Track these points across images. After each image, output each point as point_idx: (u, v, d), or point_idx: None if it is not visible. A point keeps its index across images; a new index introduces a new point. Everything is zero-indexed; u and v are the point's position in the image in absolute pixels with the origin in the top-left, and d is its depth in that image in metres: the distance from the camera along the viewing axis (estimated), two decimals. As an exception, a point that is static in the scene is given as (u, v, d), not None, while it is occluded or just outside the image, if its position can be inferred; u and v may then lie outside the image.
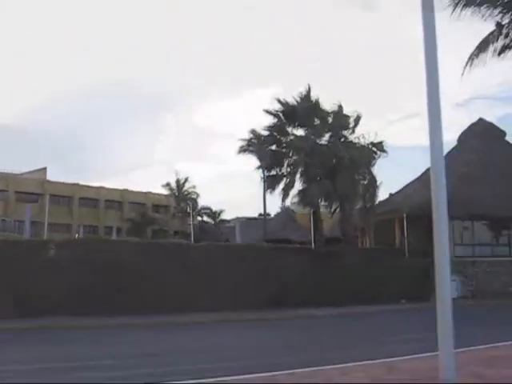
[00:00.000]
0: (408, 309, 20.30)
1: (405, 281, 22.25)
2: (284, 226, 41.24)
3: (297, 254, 22.91)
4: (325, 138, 24.44)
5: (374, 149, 24.52)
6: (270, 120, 24.70)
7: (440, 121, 5.07)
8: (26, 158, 75.72)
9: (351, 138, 24.58)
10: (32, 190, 52.68)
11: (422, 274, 20.80)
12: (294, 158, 24.20)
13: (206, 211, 61.34)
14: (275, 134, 24.86)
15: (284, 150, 24.77)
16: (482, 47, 18.51)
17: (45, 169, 57.98)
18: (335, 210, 24.85)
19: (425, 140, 5.08)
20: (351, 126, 24.46)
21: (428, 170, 23.63)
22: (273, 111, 24.71)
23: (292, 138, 24.60)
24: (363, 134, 24.47)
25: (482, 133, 30.57)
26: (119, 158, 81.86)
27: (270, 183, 25.23)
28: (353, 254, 23.55)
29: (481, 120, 31.69)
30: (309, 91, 24.66)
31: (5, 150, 61.13)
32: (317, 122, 24.32)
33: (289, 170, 24.36)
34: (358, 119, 24.39)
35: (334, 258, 22.68)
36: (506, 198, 24.98)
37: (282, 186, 24.22)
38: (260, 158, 24.97)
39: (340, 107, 24.72)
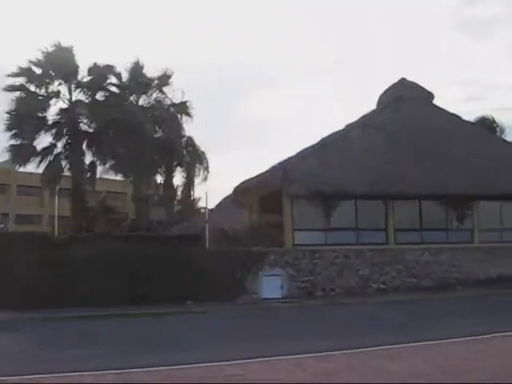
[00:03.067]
0: (182, 313, 15.60)
1: (197, 276, 17.04)
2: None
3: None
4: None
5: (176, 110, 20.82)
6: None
7: None
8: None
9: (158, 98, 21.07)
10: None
11: (226, 269, 17.50)
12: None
13: None
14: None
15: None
16: None
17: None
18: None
19: None
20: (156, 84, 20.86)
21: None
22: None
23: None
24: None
25: (406, 95, 26.34)
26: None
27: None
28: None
29: (403, 80, 27.19)
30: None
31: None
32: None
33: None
34: (166, 78, 20.62)
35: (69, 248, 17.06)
36: (429, 172, 21.78)
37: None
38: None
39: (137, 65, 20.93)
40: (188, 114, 22.59)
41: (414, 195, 21.52)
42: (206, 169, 24.31)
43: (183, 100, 22.79)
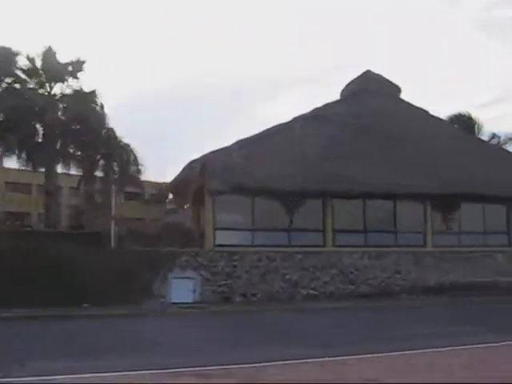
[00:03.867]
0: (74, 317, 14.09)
1: (95, 277, 15.66)
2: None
3: None
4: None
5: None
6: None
7: None
8: None
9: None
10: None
11: (132, 270, 16.07)
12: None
13: None
14: None
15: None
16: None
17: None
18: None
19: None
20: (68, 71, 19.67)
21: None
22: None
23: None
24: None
25: (369, 87, 24.71)
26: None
27: None
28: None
29: (368, 72, 25.49)
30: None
31: None
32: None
33: None
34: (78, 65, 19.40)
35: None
36: (378, 170, 20.15)
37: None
38: None
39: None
40: (95, 103, 21.44)
41: (358, 194, 19.77)
42: (134, 162, 22.98)
43: (92, 89, 21.66)
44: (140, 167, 23.34)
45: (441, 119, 25.78)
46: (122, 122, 23.89)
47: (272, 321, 14.26)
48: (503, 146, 29.66)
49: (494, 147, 27.98)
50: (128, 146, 22.24)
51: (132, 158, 22.64)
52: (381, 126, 23.06)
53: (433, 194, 20.74)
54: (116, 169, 22.66)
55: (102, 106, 21.94)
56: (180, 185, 20.49)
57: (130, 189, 28.89)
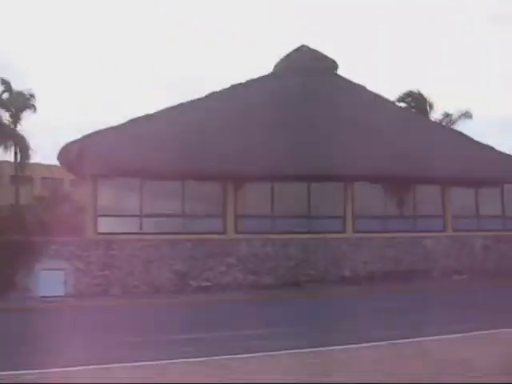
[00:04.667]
0: None
1: None
2: None
3: None
4: None
5: None
6: None
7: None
8: None
9: None
10: None
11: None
12: None
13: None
14: None
15: None
16: None
17: None
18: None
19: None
20: None
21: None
22: None
23: None
24: None
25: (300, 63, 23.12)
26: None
27: None
28: None
29: (303, 47, 23.84)
30: None
31: None
32: None
33: None
34: None
35: None
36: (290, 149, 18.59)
37: None
38: None
39: None
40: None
41: (263, 176, 18.12)
42: (24, 146, 21.49)
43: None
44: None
45: (378, 95, 23.79)
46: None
47: (137, 315, 12.81)
48: (455, 124, 27.72)
49: (437, 125, 26.03)
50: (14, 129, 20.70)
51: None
52: (303, 103, 21.37)
53: (353, 174, 19.00)
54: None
55: None
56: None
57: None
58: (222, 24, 79.66)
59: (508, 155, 22.55)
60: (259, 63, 74.34)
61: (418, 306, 13.47)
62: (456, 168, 20.50)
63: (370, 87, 24.23)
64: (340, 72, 24.84)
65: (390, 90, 33.09)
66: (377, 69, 70.85)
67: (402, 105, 28.63)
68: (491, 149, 22.69)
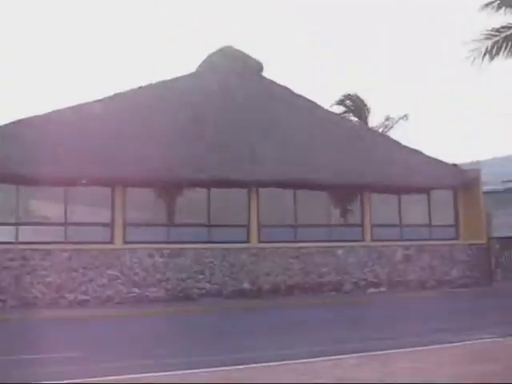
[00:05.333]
0: None
1: None
2: None
3: None
4: None
5: None
6: None
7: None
8: None
9: None
10: None
11: None
12: None
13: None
14: None
15: None
16: None
17: None
18: None
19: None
20: None
21: None
22: None
23: None
24: None
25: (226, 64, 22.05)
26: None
27: None
28: None
29: (227, 47, 22.83)
30: None
31: None
32: None
33: None
34: None
35: None
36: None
37: None
38: None
39: None
40: None
41: (156, 181, 16.90)
42: None
43: None
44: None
45: (302, 97, 22.53)
46: None
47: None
48: (394, 126, 26.69)
49: (363, 129, 24.79)
50: None
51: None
52: (217, 103, 20.20)
53: (258, 180, 17.75)
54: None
55: None
56: None
57: None
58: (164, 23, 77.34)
59: (437, 160, 21.33)
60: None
61: (301, 323, 12.17)
62: (376, 173, 19.34)
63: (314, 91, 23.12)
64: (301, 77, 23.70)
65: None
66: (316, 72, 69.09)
67: (342, 108, 27.58)
68: (419, 153, 21.45)
